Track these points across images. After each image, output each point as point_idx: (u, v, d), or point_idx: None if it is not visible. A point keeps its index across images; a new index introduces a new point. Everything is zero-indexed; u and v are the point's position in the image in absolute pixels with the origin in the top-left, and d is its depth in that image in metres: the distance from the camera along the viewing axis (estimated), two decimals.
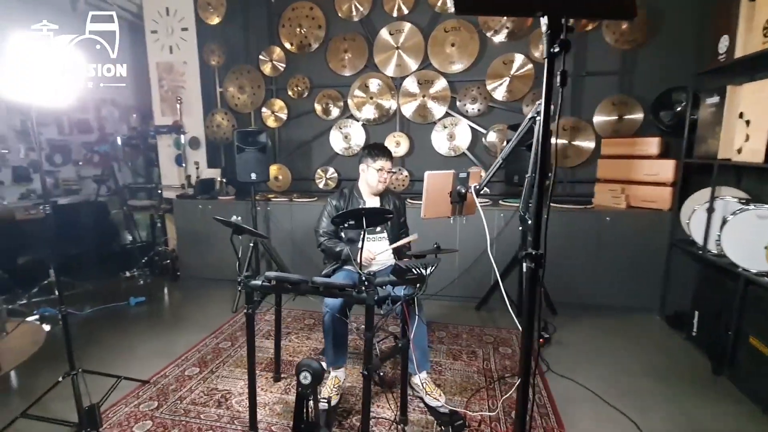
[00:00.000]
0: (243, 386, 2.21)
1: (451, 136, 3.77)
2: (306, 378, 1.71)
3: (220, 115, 4.20)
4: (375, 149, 2.32)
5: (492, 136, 3.66)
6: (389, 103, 3.85)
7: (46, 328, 2.87)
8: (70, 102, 1.80)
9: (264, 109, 4.11)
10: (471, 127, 3.74)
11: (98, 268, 3.98)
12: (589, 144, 3.56)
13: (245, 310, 1.76)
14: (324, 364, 2.02)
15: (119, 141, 4.35)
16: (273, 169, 4.06)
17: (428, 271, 1.64)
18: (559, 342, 2.78)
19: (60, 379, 1.87)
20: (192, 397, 2.13)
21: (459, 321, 3.10)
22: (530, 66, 3.52)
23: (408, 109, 3.82)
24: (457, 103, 3.74)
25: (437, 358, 2.56)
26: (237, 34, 4.18)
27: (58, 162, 4.44)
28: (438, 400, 2.03)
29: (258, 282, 1.74)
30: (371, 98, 3.87)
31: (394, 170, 2.62)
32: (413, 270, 1.62)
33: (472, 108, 3.71)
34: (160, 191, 4.23)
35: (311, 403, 1.65)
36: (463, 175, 1.60)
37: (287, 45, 3.94)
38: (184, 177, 4.08)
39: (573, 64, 3.52)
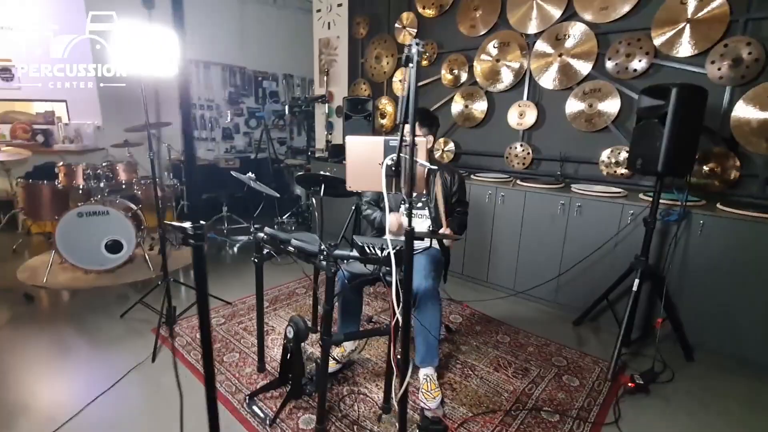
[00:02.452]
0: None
1: (591, 105, 2.97)
2: (290, 332, 1.81)
3: (360, 85, 4.49)
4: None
5: (646, 101, 2.70)
6: (517, 65, 3.31)
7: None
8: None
9: (395, 78, 4.16)
10: (621, 93, 2.86)
11: (259, 211, 4.98)
12: None
13: (252, 258, 1.96)
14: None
15: (287, 110, 5.20)
16: None
17: (384, 252, 1.44)
18: (662, 396, 1.98)
19: (159, 282, 2.52)
20: (246, 324, 2.53)
21: (537, 330, 2.57)
22: (721, 1, 2.38)
23: (540, 72, 3.19)
24: (607, 63, 2.89)
25: (477, 360, 2.22)
26: (382, 4, 4.29)
27: (253, 126, 5.67)
28: (430, 401, 1.81)
29: (261, 234, 1.89)
30: (497, 60, 3.40)
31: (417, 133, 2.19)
32: (370, 248, 1.46)
33: (628, 67, 2.81)
34: (311, 153, 4.91)
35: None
36: (393, 142, 1.29)
37: (420, 9, 3.82)
38: (324, 141, 4.60)
39: None
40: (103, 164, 3.34)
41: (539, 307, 2.91)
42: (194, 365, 2.10)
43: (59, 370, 2.11)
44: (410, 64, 1.12)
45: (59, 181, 3.24)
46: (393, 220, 2.05)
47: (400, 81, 4.09)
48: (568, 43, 3.02)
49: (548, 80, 3.16)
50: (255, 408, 1.81)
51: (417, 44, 1.11)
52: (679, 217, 2.20)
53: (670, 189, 2.35)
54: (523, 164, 3.38)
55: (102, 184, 3.29)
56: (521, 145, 3.37)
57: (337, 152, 4.39)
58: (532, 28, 3.19)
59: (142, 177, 3.82)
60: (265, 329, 2.40)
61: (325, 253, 1.55)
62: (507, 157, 3.46)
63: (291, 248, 1.71)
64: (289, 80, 5.80)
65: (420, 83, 3.97)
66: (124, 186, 3.53)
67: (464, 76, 3.65)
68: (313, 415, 1.77)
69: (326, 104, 4.53)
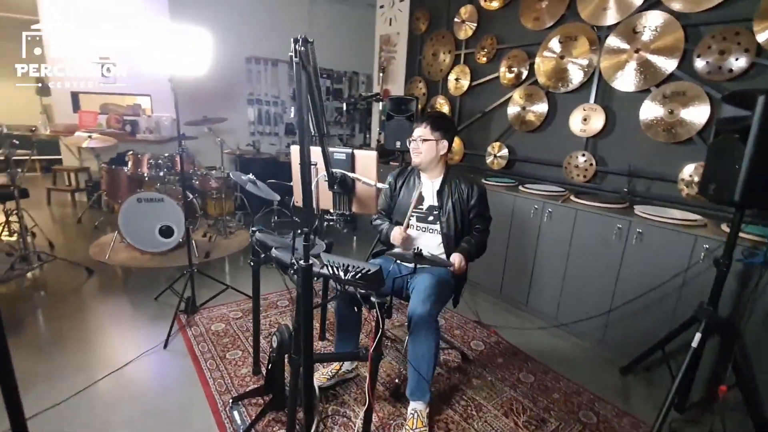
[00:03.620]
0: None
1: (672, 112, 2.46)
2: (274, 341, 1.75)
3: (416, 84, 4.30)
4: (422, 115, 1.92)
5: (728, 110, 2.14)
6: (585, 62, 2.87)
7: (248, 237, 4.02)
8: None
9: (450, 76, 3.91)
10: (711, 97, 2.32)
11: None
12: None
13: (249, 262, 1.93)
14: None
15: (344, 106, 5.20)
16: None
17: (348, 274, 1.29)
18: None
19: (184, 272, 2.64)
20: (262, 323, 2.54)
21: (571, 373, 2.20)
22: None
23: (611, 71, 2.73)
24: (696, 61, 2.36)
25: (486, 399, 1.96)
26: None
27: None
28: None
29: (255, 238, 1.85)
30: (562, 57, 2.99)
31: (428, 137, 1.88)
32: (334, 268, 1.31)
33: (722, 67, 2.26)
34: None
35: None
36: (339, 155, 1.11)
37: (482, 1, 3.52)
38: (376, 140, 4.51)
39: None
40: (165, 155, 3.62)
41: (581, 345, 2.51)
42: (198, 358, 2.15)
43: (84, 342, 2.30)
44: (295, 59, 0.95)
45: (128, 168, 3.59)
46: (396, 234, 1.89)
47: (456, 80, 3.83)
48: (647, 36, 2.53)
49: (621, 80, 2.68)
50: (235, 413, 1.79)
51: (303, 38, 0.95)
52: (765, 260, 1.69)
53: (760, 222, 1.83)
54: (584, 177, 2.93)
55: (162, 173, 3.57)
56: (583, 155, 2.93)
57: (385, 153, 4.27)
58: (608, 19, 2.73)
59: (207, 167, 4.10)
60: (269, 332, 2.40)
61: (295, 266, 1.45)
62: (566, 167, 3.04)
63: (273, 256, 1.64)
64: (353, 78, 5.82)
65: (476, 82, 3.68)
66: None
67: (524, 74, 3.28)
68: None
69: (380, 102, 4.42)
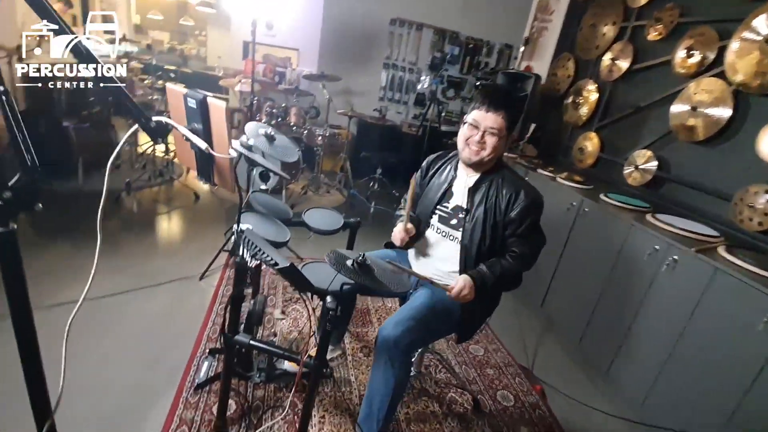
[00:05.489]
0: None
1: None
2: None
3: (564, 62, 3.49)
4: (484, 91, 1.40)
5: None
6: None
7: (341, 199, 4.04)
8: None
9: (606, 56, 3.01)
10: None
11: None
12: None
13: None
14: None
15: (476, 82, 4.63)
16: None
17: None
18: None
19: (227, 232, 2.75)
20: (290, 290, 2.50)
21: None
22: None
23: None
24: None
25: None
26: None
27: (450, 95, 5.37)
28: None
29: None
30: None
31: (496, 131, 1.38)
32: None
33: None
34: None
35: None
36: (191, 103, 0.78)
37: None
38: None
39: None
40: (282, 105, 3.83)
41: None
42: (216, 299, 2.22)
43: (150, 250, 2.62)
44: None
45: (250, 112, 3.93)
46: (396, 232, 1.52)
47: (613, 60, 2.93)
48: None
49: None
50: (205, 363, 1.76)
51: None
52: None
53: None
54: (761, 225, 1.92)
55: (274, 122, 3.79)
56: None
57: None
58: None
59: (331, 125, 4.25)
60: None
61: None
62: (735, 204, 2.04)
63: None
64: (503, 51, 5.12)
65: (638, 66, 2.77)
66: (293, 127, 3.98)
67: (708, 61, 2.27)
68: (234, 402, 1.59)
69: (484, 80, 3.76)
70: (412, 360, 1.87)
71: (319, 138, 3.98)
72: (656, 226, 1.99)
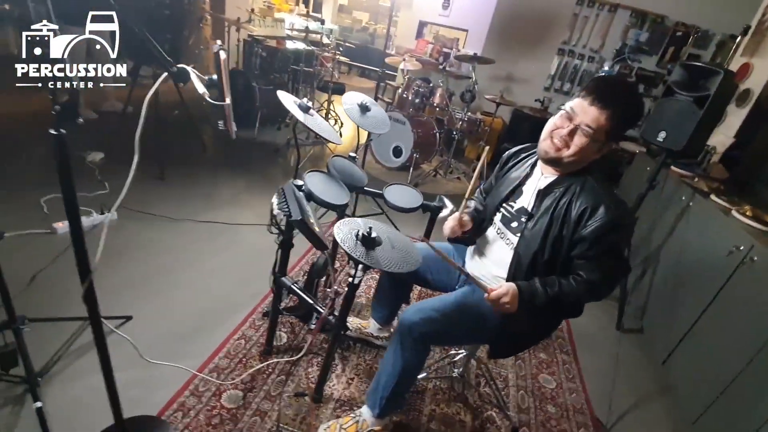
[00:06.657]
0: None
1: None
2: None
3: None
4: (596, 80, 1.16)
5: None
6: None
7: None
8: None
9: None
10: None
11: None
12: None
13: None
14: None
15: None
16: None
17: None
18: None
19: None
20: None
21: None
22: None
23: None
24: None
25: None
26: None
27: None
28: None
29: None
30: None
31: (591, 131, 1.11)
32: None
33: None
34: None
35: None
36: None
37: None
38: None
39: None
40: (430, 84, 3.87)
41: None
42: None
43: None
44: None
45: (401, 90, 4.09)
46: (450, 221, 1.41)
47: None
48: None
49: None
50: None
51: None
52: None
53: None
54: None
55: (417, 101, 3.87)
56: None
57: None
58: None
59: (484, 112, 4.12)
60: None
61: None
62: None
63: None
64: (726, 43, 3.95)
65: None
66: (437, 108, 3.98)
67: None
68: (286, 336, 1.81)
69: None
70: (442, 358, 1.77)
71: (459, 123, 3.90)
72: None
